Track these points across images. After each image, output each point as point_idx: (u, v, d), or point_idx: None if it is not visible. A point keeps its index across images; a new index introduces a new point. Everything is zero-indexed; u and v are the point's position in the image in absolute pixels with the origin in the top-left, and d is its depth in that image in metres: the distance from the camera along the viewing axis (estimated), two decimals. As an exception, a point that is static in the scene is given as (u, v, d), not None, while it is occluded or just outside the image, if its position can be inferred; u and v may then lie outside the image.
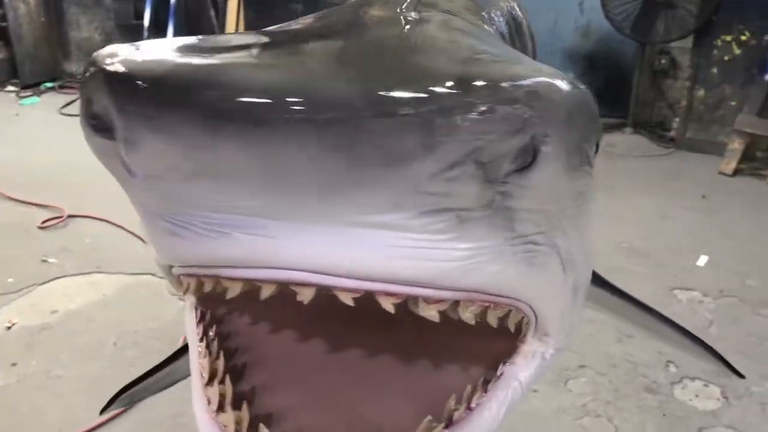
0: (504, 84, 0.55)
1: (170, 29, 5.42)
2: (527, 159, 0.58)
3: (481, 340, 0.76)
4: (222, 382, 0.72)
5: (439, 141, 0.52)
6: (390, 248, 0.58)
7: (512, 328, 0.73)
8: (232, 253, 0.60)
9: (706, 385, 2.72)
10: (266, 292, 0.64)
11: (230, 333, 0.81)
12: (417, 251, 0.58)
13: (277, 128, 0.51)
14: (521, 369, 0.77)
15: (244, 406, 0.69)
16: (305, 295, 0.62)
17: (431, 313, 0.64)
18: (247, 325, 0.83)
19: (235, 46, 0.60)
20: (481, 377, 0.76)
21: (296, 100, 0.51)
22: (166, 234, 0.64)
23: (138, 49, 0.60)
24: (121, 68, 0.56)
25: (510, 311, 0.70)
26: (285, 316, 0.82)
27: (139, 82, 0.54)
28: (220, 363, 0.74)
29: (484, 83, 0.54)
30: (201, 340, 0.79)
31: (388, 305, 0.63)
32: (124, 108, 0.55)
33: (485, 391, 0.74)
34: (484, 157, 0.55)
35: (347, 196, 0.54)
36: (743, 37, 5.49)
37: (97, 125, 0.60)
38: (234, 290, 0.65)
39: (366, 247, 0.57)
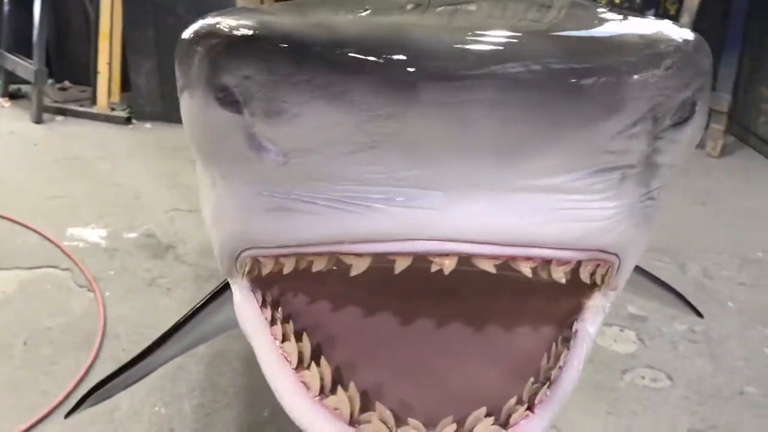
0: (678, 40, 0.56)
1: (37, 4, 4.99)
2: (685, 113, 0.59)
3: (545, 301, 0.78)
4: (311, 365, 0.70)
5: (632, 97, 0.52)
6: (549, 212, 0.57)
7: (590, 284, 0.74)
8: (368, 226, 0.57)
9: (621, 330, 2.90)
10: (361, 266, 0.61)
11: (290, 315, 0.78)
12: (572, 213, 0.58)
13: (472, 91, 0.48)
14: (590, 324, 0.79)
15: (352, 385, 0.66)
16: (399, 265, 0.60)
17: (559, 276, 0.63)
18: (306, 305, 0.80)
19: (376, 8, 0.57)
20: (556, 336, 0.77)
21: (493, 61, 0.48)
22: (277, 212, 0.60)
23: (264, 15, 0.55)
24: (279, 36, 0.52)
25: (598, 266, 0.71)
26: (342, 292, 0.80)
27: (314, 49, 0.50)
28: (307, 345, 0.71)
29: (663, 40, 0.55)
30: (272, 323, 0.75)
31: (527, 270, 0.62)
32: (288, 78, 0.51)
33: (567, 348, 0.75)
34: (659, 112, 0.55)
35: (530, 159, 0.53)
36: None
37: (224, 98, 0.56)
38: (359, 267, 0.62)
39: (526, 212, 0.57)
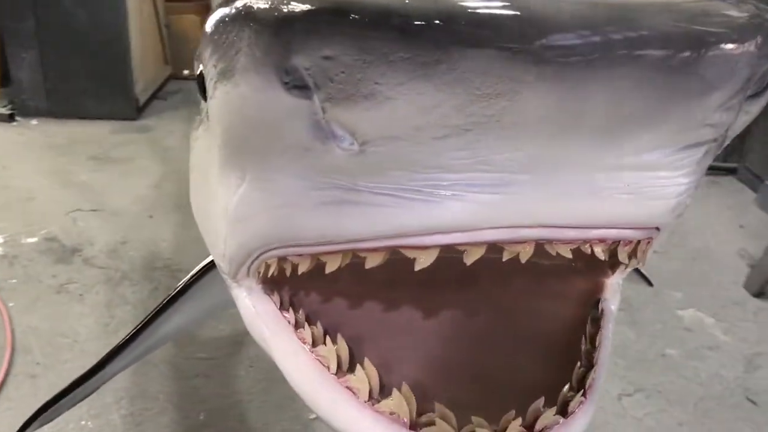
0: (764, 8, 0.54)
1: None
2: (762, 84, 0.57)
3: (566, 283, 0.76)
4: (350, 369, 0.64)
5: (740, 67, 0.50)
6: (633, 190, 0.55)
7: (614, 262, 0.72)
8: (444, 216, 0.52)
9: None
10: (427, 260, 0.56)
11: (310, 316, 0.72)
12: (653, 191, 0.56)
13: (593, 65, 0.44)
14: (612, 302, 0.77)
15: (404, 386, 0.61)
16: (471, 256, 0.56)
17: (600, 252, 0.61)
18: (325, 304, 0.75)
19: None
20: (586, 317, 0.75)
21: (617, 33, 0.44)
22: (334, 206, 0.55)
23: None
24: (374, 10, 0.45)
25: (639, 243, 0.67)
26: (361, 288, 0.74)
27: (421, 24, 0.44)
28: (344, 347, 0.66)
29: (755, 9, 0.52)
30: (297, 327, 0.69)
31: (600, 252, 0.59)
32: (387, 57, 0.45)
33: (599, 328, 0.73)
34: (750, 84, 0.53)
35: (630, 137, 0.50)
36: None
37: (291, 82, 0.49)
38: (424, 261, 0.57)
39: (611, 191, 0.54)
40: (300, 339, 0.68)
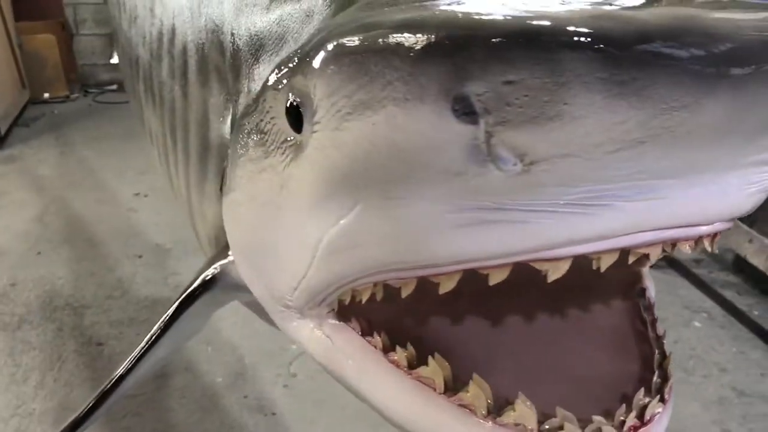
0: None
1: None
2: None
3: (611, 277, 0.78)
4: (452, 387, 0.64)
5: None
6: (754, 186, 0.58)
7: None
8: (593, 227, 0.53)
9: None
10: (557, 273, 0.57)
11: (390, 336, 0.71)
12: (762, 185, 0.59)
13: (764, 73, 0.47)
14: (651, 288, 0.81)
15: (521, 397, 0.62)
16: (604, 263, 0.58)
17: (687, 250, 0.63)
18: (401, 324, 0.74)
19: None
20: (638, 307, 0.78)
21: None
22: (470, 227, 0.54)
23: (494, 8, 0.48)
24: (565, 31, 0.45)
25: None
26: (427, 305, 0.74)
27: (616, 44, 0.45)
28: (446, 366, 0.65)
29: None
30: (387, 351, 0.68)
31: (709, 246, 0.62)
32: (581, 78, 0.45)
33: (652, 315, 0.77)
34: None
35: None
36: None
37: (461, 110, 0.48)
38: (555, 273, 0.57)
39: (737, 188, 0.56)
40: (394, 363, 0.67)
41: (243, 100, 0.97)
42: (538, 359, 0.73)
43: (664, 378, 0.67)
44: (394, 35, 0.51)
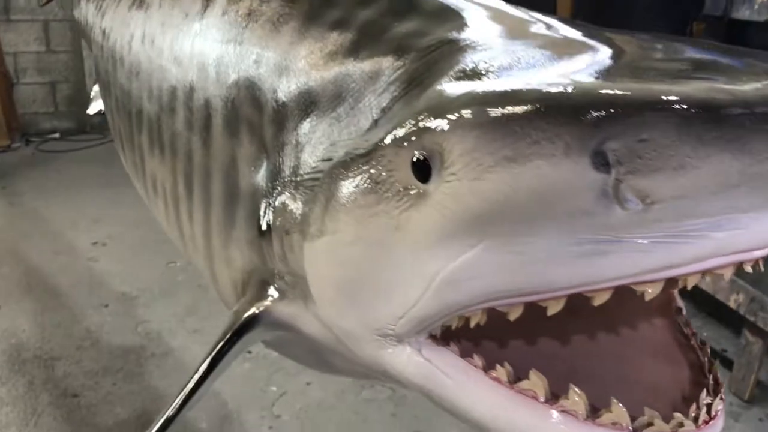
0: None
1: None
2: None
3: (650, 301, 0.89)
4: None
5: None
6: None
7: None
8: (691, 253, 0.64)
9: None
10: (604, 297, 0.69)
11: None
12: None
13: None
14: (682, 306, 0.92)
15: (614, 400, 0.72)
16: (691, 281, 0.69)
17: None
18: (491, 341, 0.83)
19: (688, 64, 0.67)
20: (675, 323, 0.89)
21: None
22: (585, 257, 0.65)
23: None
24: (695, 101, 0.59)
25: None
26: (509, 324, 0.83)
27: (724, 110, 0.58)
28: (544, 378, 0.74)
29: None
30: (488, 369, 0.78)
31: (763, 265, 0.72)
32: (701, 136, 0.58)
33: (691, 330, 0.89)
34: None
35: None
36: None
37: (598, 162, 0.60)
38: (653, 293, 0.68)
39: None
40: (496, 380, 0.76)
41: (292, 153, 1.06)
42: (608, 371, 0.84)
43: (716, 381, 0.79)
44: (540, 104, 0.62)
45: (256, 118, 1.16)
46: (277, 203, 1.07)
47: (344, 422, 2.67)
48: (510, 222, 0.66)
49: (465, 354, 0.80)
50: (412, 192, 0.74)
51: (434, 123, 0.70)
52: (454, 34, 0.88)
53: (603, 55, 0.74)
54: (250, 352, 3.09)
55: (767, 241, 0.67)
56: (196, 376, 1.19)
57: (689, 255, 0.65)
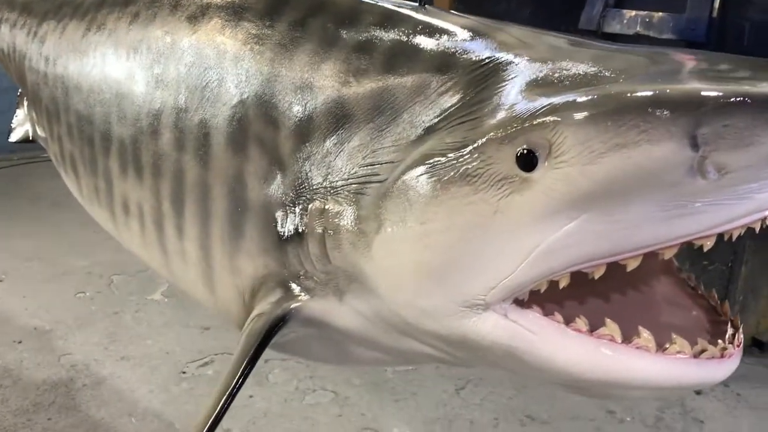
0: None
1: None
2: None
3: (658, 262, 1.02)
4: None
5: None
6: None
7: None
8: (744, 210, 0.83)
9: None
10: (672, 252, 0.89)
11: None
12: None
13: None
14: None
15: (677, 337, 0.91)
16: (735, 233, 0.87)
17: None
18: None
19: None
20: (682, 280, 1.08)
21: None
22: (667, 219, 0.84)
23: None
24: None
25: None
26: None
27: None
28: (616, 324, 0.93)
29: None
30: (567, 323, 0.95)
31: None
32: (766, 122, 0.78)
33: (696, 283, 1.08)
34: None
35: None
36: None
37: (692, 142, 0.79)
38: (708, 244, 0.88)
39: None
40: (577, 330, 0.92)
41: (321, 162, 1.15)
42: (646, 319, 1.00)
43: (735, 326, 0.99)
44: (647, 102, 0.81)
45: (269, 134, 1.24)
46: (312, 208, 1.16)
47: (294, 429, 2.75)
48: (613, 196, 0.83)
49: (546, 314, 0.95)
50: (513, 180, 0.89)
51: (542, 121, 0.87)
52: (497, 53, 1.04)
53: (660, 63, 0.94)
54: (184, 372, 3.10)
55: None
56: (234, 381, 1.24)
57: (741, 212, 0.84)
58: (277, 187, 1.23)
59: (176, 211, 1.47)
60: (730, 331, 0.96)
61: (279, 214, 1.23)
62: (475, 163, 0.92)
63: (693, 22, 3.12)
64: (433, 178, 0.96)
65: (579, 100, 0.87)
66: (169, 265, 1.60)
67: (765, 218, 0.86)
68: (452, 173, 0.94)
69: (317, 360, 1.63)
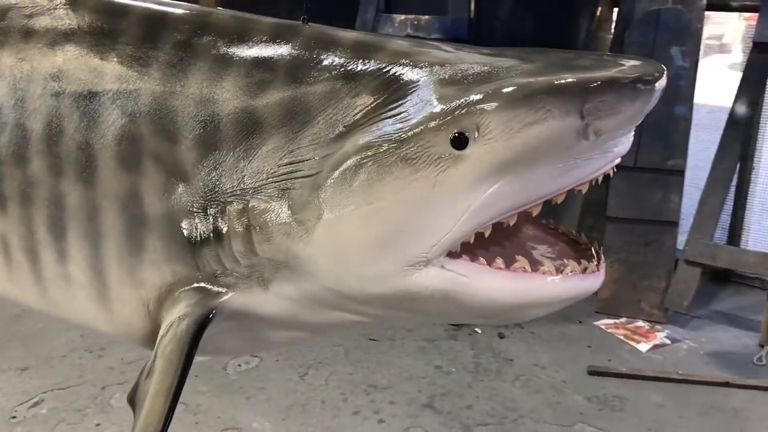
0: None
1: None
2: None
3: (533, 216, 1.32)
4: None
5: None
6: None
7: None
8: (604, 162, 1.15)
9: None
10: (562, 198, 1.18)
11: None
12: None
13: None
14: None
15: (572, 261, 1.20)
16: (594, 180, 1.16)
17: None
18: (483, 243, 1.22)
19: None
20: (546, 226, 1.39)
21: None
22: (567, 171, 1.12)
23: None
24: (628, 79, 1.08)
25: None
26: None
27: (635, 84, 1.09)
28: (524, 258, 1.19)
29: None
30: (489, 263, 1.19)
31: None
32: (626, 98, 1.08)
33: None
34: None
35: None
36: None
37: (581, 114, 1.06)
38: (584, 190, 1.19)
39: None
40: (499, 267, 1.16)
41: (234, 167, 1.24)
42: (539, 252, 1.29)
43: (596, 249, 1.28)
44: (548, 88, 1.07)
45: (166, 149, 1.29)
46: (231, 210, 1.25)
47: (152, 445, 2.74)
48: (526, 160, 1.09)
49: (473, 260, 1.18)
50: (449, 158, 1.10)
51: (470, 110, 1.09)
52: (395, 59, 1.22)
53: (539, 59, 1.20)
54: (14, 417, 2.92)
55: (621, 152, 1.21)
56: (173, 389, 1.27)
57: (605, 163, 1.16)
58: (180, 197, 1.29)
59: (55, 236, 1.46)
60: (594, 252, 1.29)
61: (186, 222, 1.30)
62: (414, 148, 1.12)
63: (455, 22, 3.61)
64: (375, 165, 1.13)
65: (497, 90, 1.11)
66: (47, 295, 1.56)
67: (615, 165, 1.21)
68: (393, 158, 1.12)
69: (229, 353, 1.70)
